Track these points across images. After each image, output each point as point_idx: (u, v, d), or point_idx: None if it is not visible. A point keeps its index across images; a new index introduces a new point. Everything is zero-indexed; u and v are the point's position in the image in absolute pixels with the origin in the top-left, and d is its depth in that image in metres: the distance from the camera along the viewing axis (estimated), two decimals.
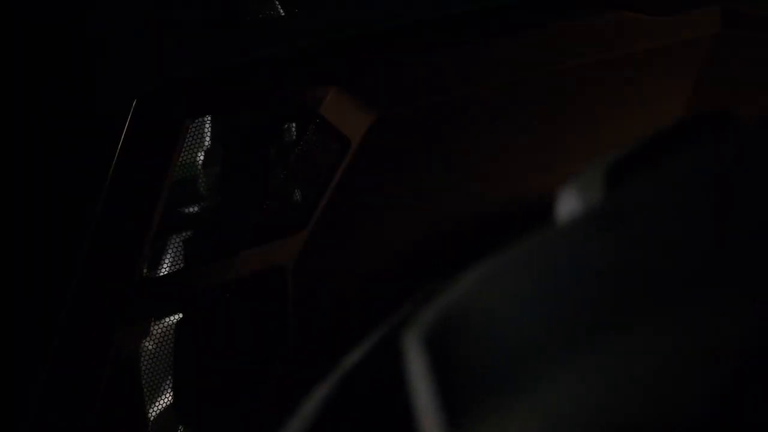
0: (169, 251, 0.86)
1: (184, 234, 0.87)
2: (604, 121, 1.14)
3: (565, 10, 1.03)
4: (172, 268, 0.85)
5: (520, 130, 1.08)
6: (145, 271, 0.83)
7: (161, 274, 0.85)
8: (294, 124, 0.92)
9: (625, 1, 1.06)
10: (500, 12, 1.02)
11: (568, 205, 0.36)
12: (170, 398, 0.87)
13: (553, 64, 1.05)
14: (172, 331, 0.87)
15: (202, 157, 0.88)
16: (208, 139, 0.88)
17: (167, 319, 0.86)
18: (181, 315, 0.87)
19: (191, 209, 0.88)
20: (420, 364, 0.29)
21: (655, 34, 1.11)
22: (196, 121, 0.86)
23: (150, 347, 0.85)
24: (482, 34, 1.01)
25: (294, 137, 0.92)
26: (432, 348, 0.30)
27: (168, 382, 0.87)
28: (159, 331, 0.86)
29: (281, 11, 0.90)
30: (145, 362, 0.85)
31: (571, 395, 0.26)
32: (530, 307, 0.28)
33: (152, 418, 0.86)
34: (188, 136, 0.86)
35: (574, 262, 0.28)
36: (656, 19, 1.09)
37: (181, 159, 0.85)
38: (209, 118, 0.88)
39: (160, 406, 0.87)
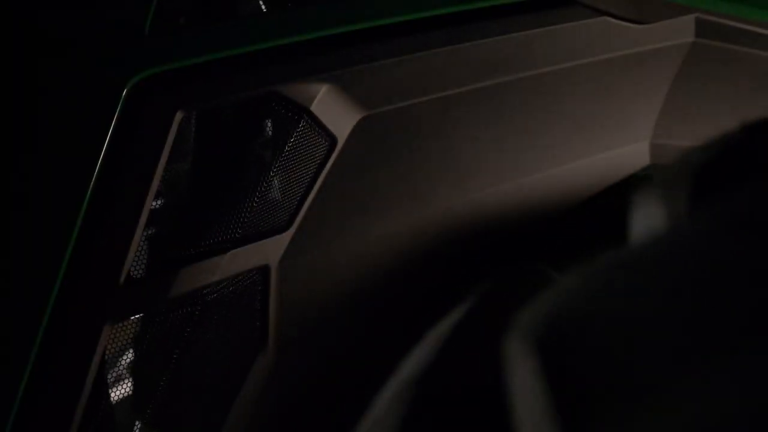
0: (155, 250, 0.83)
1: (168, 232, 0.84)
2: (583, 123, 1.15)
3: (550, 14, 1.04)
4: (158, 267, 0.83)
5: (504, 130, 1.08)
6: (131, 269, 0.81)
7: (147, 273, 0.82)
8: (282, 121, 0.90)
9: (608, 8, 1.07)
10: (487, 14, 1.02)
11: (647, 208, 0.36)
12: (154, 398, 0.84)
13: (538, 67, 1.06)
14: (155, 331, 0.84)
15: (187, 154, 0.85)
16: (193, 135, 0.86)
17: (151, 319, 0.83)
18: (166, 315, 0.84)
19: (176, 208, 0.85)
20: (531, 370, 0.29)
21: (634, 41, 1.12)
22: (185, 114, 0.83)
23: (134, 347, 0.82)
24: (469, 36, 1.00)
25: (281, 135, 0.90)
26: (545, 354, 0.29)
27: (151, 381, 0.85)
28: (142, 331, 0.83)
29: (277, 5, 0.89)
30: (130, 362, 0.82)
31: (707, 404, 0.25)
32: (662, 311, 0.27)
33: (136, 418, 0.83)
34: (178, 129, 0.83)
35: (711, 266, 0.27)
36: (636, 27, 1.11)
37: (170, 154, 0.83)
38: (195, 113, 0.85)
39: (143, 405, 0.84)
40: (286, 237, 0.94)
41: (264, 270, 0.94)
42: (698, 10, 1.15)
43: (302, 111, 0.90)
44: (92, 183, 0.79)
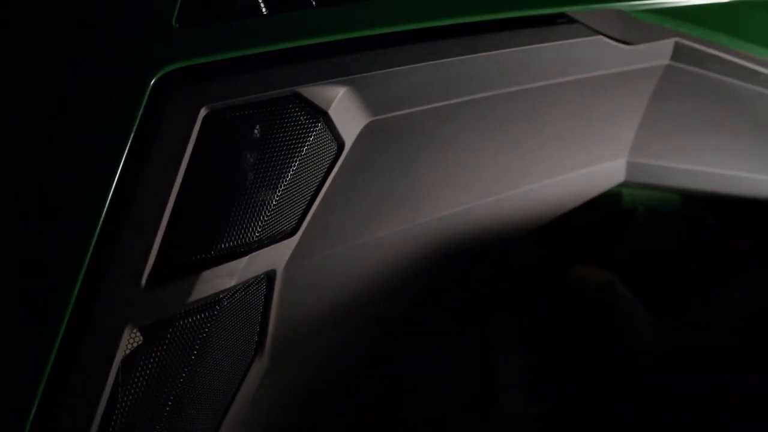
0: (176, 252, 0.79)
1: (190, 234, 0.81)
2: (569, 138, 1.18)
3: (552, 31, 1.06)
4: (180, 270, 0.79)
5: (499, 142, 1.09)
6: (152, 271, 0.77)
7: (168, 276, 0.78)
8: (300, 123, 0.88)
9: (603, 27, 1.10)
10: (493, 27, 1.02)
11: None
12: (168, 402, 0.81)
13: (536, 81, 1.07)
14: (175, 335, 0.81)
15: (209, 153, 0.82)
16: (215, 134, 0.82)
17: (171, 323, 0.80)
18: (185, 319, 0.81)
19: (197, 208, 0.81)
20: None
21: (621, 61, 1.15)
22: (209, 111, 0.80)
23: (153, 350, 0.79)
24: (474, 48, 1.01)
25: (298, 136, 0.88)
26: None
27: (166, 385, 0.81)
28: (162, 334, 0.79)
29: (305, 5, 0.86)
30: (147, 365, 0.78)
31: None
32: None
33: (150, 420, 0.80)
34: (201, 127, 0.80)
35: None
36: (624, 47, 1.14)
37: (192, 152, 0.80)
38: (219, 110, 0.82)
39: (158, 409, 0.81)
40: (293, 241, 0.92)
41: (270, 275, 0.91)
42: (679, 34, 1.19)
43: (320, 114, 0.88)
44: (115, 180, 0.76)
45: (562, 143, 1.18)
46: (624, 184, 1.28)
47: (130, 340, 0.76)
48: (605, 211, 1.30)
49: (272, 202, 0.86)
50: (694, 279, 1.30)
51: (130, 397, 0.77)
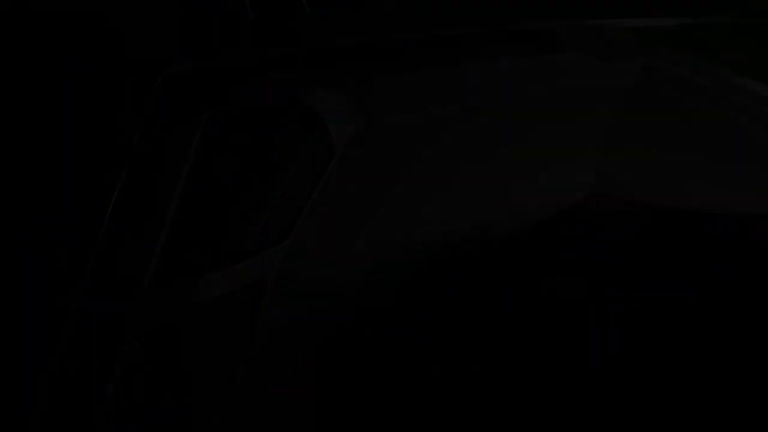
0: (177, 255, 0.79)
1: (191, 239, 0.80)
2: (542, 147, 1.20)
3: (534, 45, 1.09)
4: (181, 273, 0.79)
5: (480, 150, 1.11)
6: (156, 273, 0.77)
7: (171, 278, 0.78)
8: (298, 128, 0.88)
9: (585, 45, 1.13)
10: (477, 42, 1.05)
11: None
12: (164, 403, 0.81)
13: (517, 92, 1.10)
14: (166, 341, 0.80)
15: (210, 157, 0.82)
16: (217, 138, 0.82)
17: (165, 329, 0.80)
18: (177, 324, 0.80)
19: (199, 213, 0.81)
20: None
21: (596, 76, 1.19)
22: (212, 115, 0.80)
23: (155, 350, 0.78)
24: (460, 59, 1.03)
25: (295, 141, 0.89)
26: None
27: (162, 389, 0.81)
28: (162, 335, 0.79)
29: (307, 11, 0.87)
30: (150, 364, 0.78)
31: None
32: None
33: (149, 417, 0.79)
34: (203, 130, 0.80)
35: None
36: (600, 63, 1.18)
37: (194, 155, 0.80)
38: (222, 114, 0.82)
39: (153, 412, 0.80)
40: (285, 246, 0.93)
41: (261, 279, 0.92)
42: (649, 54, 1.24)
43: (317, 119, 0.89)
44: (121, 182, 0.75)
45: (536, 155, 1.20)
46: (593, 196, 1.31)
47: (130, 343, 0.75)
48: (575, 222, 1.33)
49: (270, 206, 0.86)
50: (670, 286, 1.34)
51: (129, 399, 0.76)
